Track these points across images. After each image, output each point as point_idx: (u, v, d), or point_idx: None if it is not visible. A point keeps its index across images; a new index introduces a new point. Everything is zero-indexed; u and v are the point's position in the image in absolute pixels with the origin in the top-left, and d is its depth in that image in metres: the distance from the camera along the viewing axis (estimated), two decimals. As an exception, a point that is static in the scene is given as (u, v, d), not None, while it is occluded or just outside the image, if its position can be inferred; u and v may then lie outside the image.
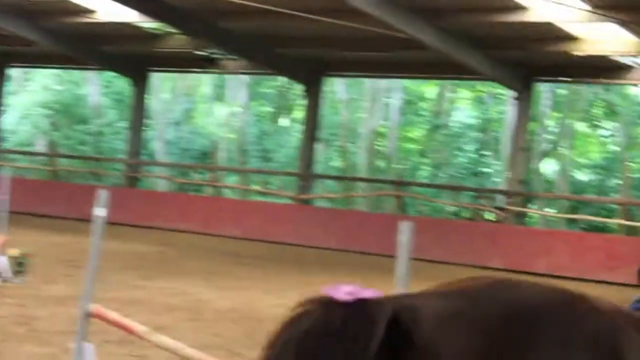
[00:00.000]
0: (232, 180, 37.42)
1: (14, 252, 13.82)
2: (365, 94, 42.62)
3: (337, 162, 44.20)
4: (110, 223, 25.06)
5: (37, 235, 21.49)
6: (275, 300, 14.19)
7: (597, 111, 42.10)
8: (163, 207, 26.77)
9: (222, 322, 11.83)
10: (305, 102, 28.36)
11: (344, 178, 37.02)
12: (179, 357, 7.88)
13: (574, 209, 35.00)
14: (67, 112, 45.43)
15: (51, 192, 28.13)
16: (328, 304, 1.85)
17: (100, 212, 7.85)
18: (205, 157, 40.96)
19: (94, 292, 12.45)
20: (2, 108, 32.84)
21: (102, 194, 7.89)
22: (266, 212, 26.24)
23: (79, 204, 24.67)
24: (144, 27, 27.49)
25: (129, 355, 9.23)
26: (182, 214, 26.32)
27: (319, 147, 29.99)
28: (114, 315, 8.08)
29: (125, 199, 26.88)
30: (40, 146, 44.31)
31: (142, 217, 26.10)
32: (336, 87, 42.04)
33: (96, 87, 45.53)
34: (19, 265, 13.85)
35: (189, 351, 7.58)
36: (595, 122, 42.26)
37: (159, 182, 36.63)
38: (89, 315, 7.87)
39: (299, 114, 38.36)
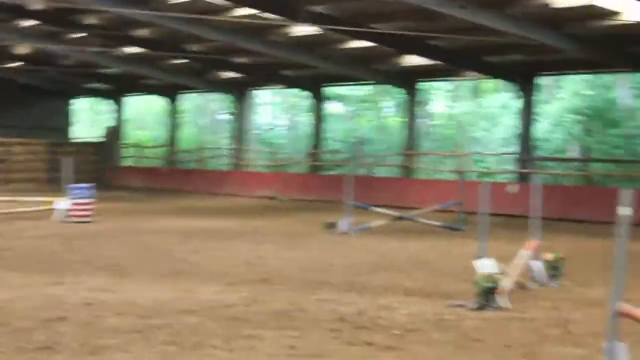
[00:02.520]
0: None
1: (549, 256, 14.01)
2: None
3: None
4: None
5: (571, 240, 21.61)
6: None
7: None
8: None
9: None
10: None
11: None
12: None
13: None
14: (599, 117, 45.20)
15: (585, 197, 28.12)
16: None
17: (624, 211, 7.74)
18: None
19: (633, 294, 12.32)
20: (535, 117, 33.37)
21: (626, 194, 7.77)
22: None
23: (613, 207, 24.40)
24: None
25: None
26: None
27: None
28: (643, 314, 7.93)
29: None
30: (573, 152, 44.52)
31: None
32: None
33: (627, 90, 44.85)
34: (554, 270, 14.01)
35: None
36: None
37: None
38: (618, 314, 7.78)
39: None
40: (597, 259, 17.80)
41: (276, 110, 67.46)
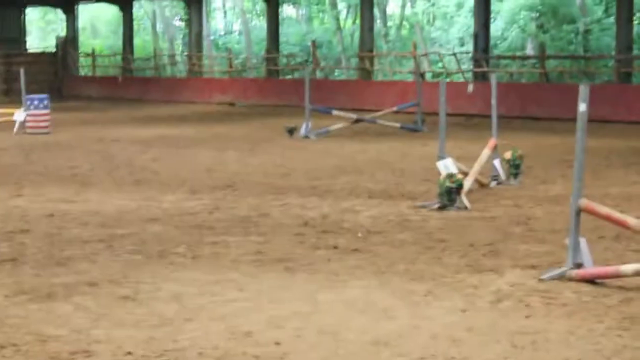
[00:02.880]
0: None
1: (508, 154, 14.10)
2: None
3: None
4: (604, 121, 25.07)
5: (530, 137, 21.76)
6: None
7: None
8: (659, 101, 25.89)
9: None
10: None
11: None
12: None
13: None
14: (554, 13, 45.17)
15: (542, 94, 28.24)
16: None
17: (582, 107, 7.78)
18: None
19: (592, 190, 12.49)
20: (490, 15, 33.28)
21: (583, 89, 7.81)
22: None
23: (571, 104, 24.55)
24: None
25: (626, 250, 9.14)
26: (680, 106, 25.30)
27: None
28: (604, 209, 8.04)
29: (618, 95, 26.39)
30: (529, 49, 44.59)
31: (638, 113, 25.44)
32: None
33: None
34: (514, 168, 14.11)
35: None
36: None
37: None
38: (580, 210, 7.88)
39: None
40: (555, 156, 17.96)
41: (230, 15, 66.80)
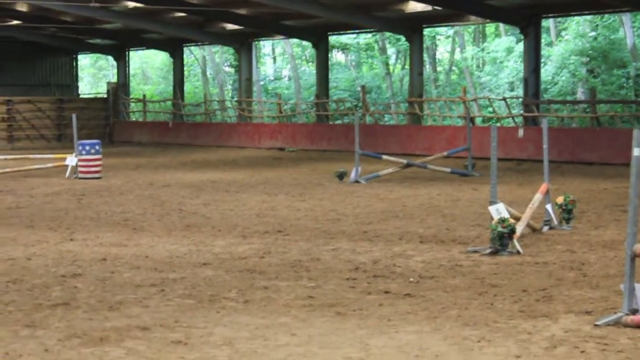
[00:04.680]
0: None
1: (560, 199, 14.00)
2: None
3: None
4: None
5: (582, 182, 21.60)
6: None
7: None
8: None
9: None
10: None
11: None
12: None
13: None
14: (604, 58, 44.98)
15: (593, 139, 28.06)
16: None
17: (636, 152, 7.71)
18: None
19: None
20: (540, 60, 33.20)
21: (637, 134, 7.74)
22: None
23: (622, 148, 24.38)
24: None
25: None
26: None
27: None
28: (661, 255, 7.93)
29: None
30: (580, 94, 44.38)
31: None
32: None
33: (631, 29, 44.58)
34: (566, 213, 14.01)
35: None
36: None
37: None
38: (635, 255, 7.79)
39: None
40: (607, 200, 17.79)
41: (280, 60, 67.26)
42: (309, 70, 59.40)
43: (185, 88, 49.94)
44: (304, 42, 51.66)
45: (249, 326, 7.98)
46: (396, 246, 12.40)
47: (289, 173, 25.50)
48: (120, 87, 48.86)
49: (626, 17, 43.67)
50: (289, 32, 41.96)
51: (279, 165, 28.54)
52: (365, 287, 9.66)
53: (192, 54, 62.48)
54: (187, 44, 48.53)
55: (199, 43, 49.06)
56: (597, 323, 7.85)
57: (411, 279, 10.05)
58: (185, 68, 51.46)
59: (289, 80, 61.51)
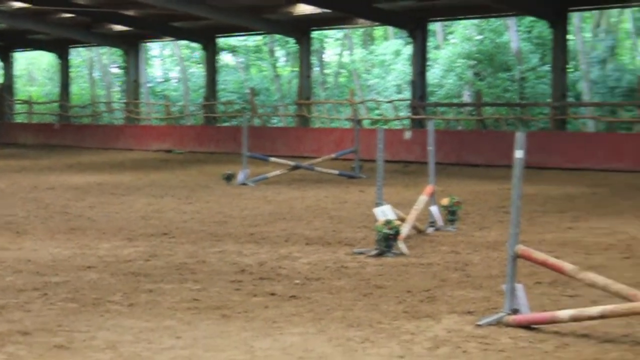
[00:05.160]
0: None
1: (445, 201, 14.19)
2: None
3: None
4: (540, 168, 25.38)
5: (467, 184, 21.93)
6: None
7: None
8: (593, 148, 26.27)
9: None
10: None
11: None
12: (609, 294, 7.76)
13: None
14: (490, 61, 45.75)
15: (479, 141, 28.52)
16: None
17: (518, 154, 7.85)
18: (633, 94, 39.62)
19: (528, 236, 12.59)
20: (427, 63, 33.60)
21: (520, 137, 7.88)
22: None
23: (506, 150, 24.84)
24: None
25: (560, 295, 9.20)
26: (613, 153, 25.69)
27: None
28: (540, 255, 8.09)
29: (554, 142, 26.74)
30: (466, 97, 45.08)
31: (572, 159, 25.80)
32: None
33: (516, 33, 45.46)
34: (451, 214, 14.20)
35: (619, 287, 7.44)
36: None
37: (587, 122, 36.03)
38: (516, 256, 7.93)
39: None
40: (491, 202, 18.11)
41: (168, 62, 66.77)
42: (198, 72, 59.10)
43: (72, 90, 49.23)
44: (193, 44, 51.32)
45: (133, 329, 7.89)
46: (282, 248, 12.41)
47: (176, 175, 25.33)
48: (5, 89, 47.92)
49: (511, 21, 44.53)
50: (177, 34, 41.70)
51: (166, 168, 28.32)
52: (250, 289, 9.65)
53: (80, 56, 61.61)
54: (74, 45, 47.83)
55: (86, 44, 48.43)
56: (479, 323, 7.96)
57: (297, 281, 10.07)
58: (72, 69, 50.74)
59: (178, 82, 61.11)
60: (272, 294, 9.38)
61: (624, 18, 48.16)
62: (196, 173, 26.02)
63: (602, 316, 7.35)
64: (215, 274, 10.51)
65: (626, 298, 7.34)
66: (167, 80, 64.15)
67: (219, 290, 9.57)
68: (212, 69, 39.94)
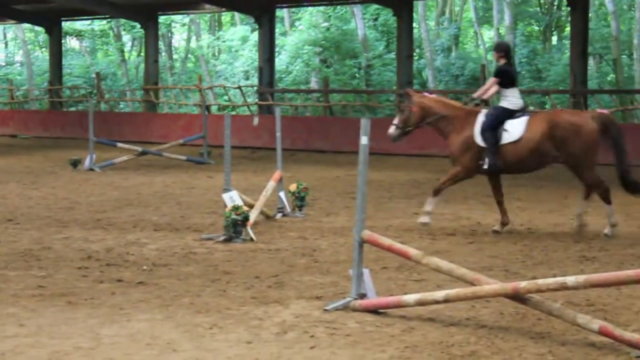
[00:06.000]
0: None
1: (293, 187, 14.27)
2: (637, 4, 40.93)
3: (611, 76, 42.83)
4: (388, 154, 25.73)
5: (315, 170, 22.09)
6: (555, 219, 14.01)
7: None
8: (437, 135, 26.73)
9: (500, 243, 11.80)
10: (571, 17, 27.59)
11: (619, 92, 35.72)
12: (453, 278, 7.95)
13: None
14: (337, 48, 46.15)
15: (326, 128, 28.76)
16: None
17: (363, 140, 7.96)
18: (476, 82, 40.57)
19: (375, 221, 12.78)
20: (274, 49, 33.68)
21: (365, 123, 7.99)
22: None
23: (354, 137, 25.10)
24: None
25: (407, 280, 9.38)
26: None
27: (590, 62, 29.02)
28: (386, 241, 8.22)
29: (399, 129, 27.14)
30: (314, 83, 45.38)
31: (419, 146, 26.24)
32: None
33: (363, 21, 45.97)
34: (299, 200, 14.29)
35: (463, 271, 7.63)
36: None
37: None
38: (363, 242, 8.04)
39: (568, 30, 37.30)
40: (339, 188, 18.28)
41: (12, 46, 65.12)
42: (42, 56, 57.85)
43: None
44: (37, 27, 50.19)
45: (-25, 319, 7.70)
46: (130, 234, 12.29)
47: (21, 161, 24.76)
48: None
49: (357, 9, 45.00)
50: (20, 17, 40.69)
51: (10, 153, 27.65)
52: (97, 275, 9.52)
53: None
54: None
55: None
56: (327, 308, 8.05)
57: (144, 267, 9.99)
58: None
59: (22, 66, 59.66)
60: (120, 281, 9.28)
61: (467, 7, 49.23)
62: (42, 158, 25.50)
63: (447, 300, 7.53)
64: (61, 261, 10.34)
65: (470, 282, 7.53)
66: (10, 64, 62.55)
67: (65, 277, 9.42)
68: (57, 53, 39.15)
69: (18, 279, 9.30)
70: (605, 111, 13.34)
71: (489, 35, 49.25)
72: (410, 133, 13.39)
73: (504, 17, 43.70)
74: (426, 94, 13.71)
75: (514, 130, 12.50)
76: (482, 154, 12.64)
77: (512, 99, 12.69)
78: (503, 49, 13.00)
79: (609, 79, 43.12)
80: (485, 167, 12.61)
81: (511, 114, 12.60)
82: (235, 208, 11.70)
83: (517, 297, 7.19)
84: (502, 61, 12.85)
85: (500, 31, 44.63)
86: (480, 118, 12.72)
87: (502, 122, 12.55)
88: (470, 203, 15.99)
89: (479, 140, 12.65)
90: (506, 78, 12.71)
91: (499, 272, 9.81)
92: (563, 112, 13.27)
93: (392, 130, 13.22)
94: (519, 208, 15.20)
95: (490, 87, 12.97)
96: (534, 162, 12.72)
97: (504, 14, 43.68)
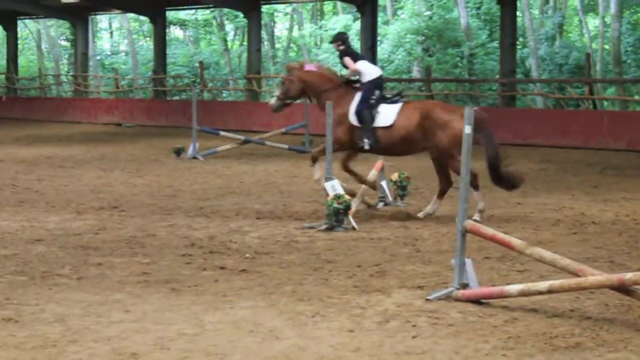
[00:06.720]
0: (610, 92, 36.34)
1: (395, 176, 14.24)
2: None
3: None
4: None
5: (416, 159, 21.94)
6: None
7: None
8: (541, 124, 26.47)
9: (605, 234, 11.60)
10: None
11: None
12: (557, 269, 7.83)
13: None
14: (440, 37, 45.86)
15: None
16: None
17: (467, 129, 7.89)
18: (580, 71, 39.95)
19: (472, 210, 12.66)
20: (376, 38, 33.61)
21: (469, 112, 7.91)
22: (649, 121, 25.25)
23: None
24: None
25: (510, 270, 9.28)
26: (561, 129, 25.92)
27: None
28: (489, 230, 8.14)
29: (503, 118, 26.87)
30: (416, 72, 45.17)
31: (521, 136, 25.98)
32: None
33: (466, 10, 45.59)
34: (401, 189, 14.26)
35: (567, 262, 7.52)
36: None
37: (536, 99, 36.27)
38: (465, 231, 7.97)
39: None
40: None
41: (117, 35, 66.20)
42: (147, 46, 58.66)
43: (19, 62, 48.66)
44: (142, 17, 50.93)
45: (82, 303, 7.85)
46: (233, 222, 12.40)
47: (125, 149, 25.17)
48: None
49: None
50: (125, 7, 41.33)
51: (115, 141, 28.13)
52: (200, 263, 9.63)
53: (27, 28, 60.88)
54: (22, 17, 47.25)
55: (34, 16, 47.86)
56: (429, 297, 8.01)
57: (247, 255, 10.07)
58: (19, 41, 50.14)
59: (126, 56, 60.63)
60: (222, 268, 9.37)
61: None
62: (145, 147, 25.88)
63: (551, 291, 7.43)
64: (165, 248, 10.48)
65: (574, 273, 7.41)
66: (115, 53, 63.62)
67: (169, 264, 9.55)
68: (161, 42, 39.66)
69: (123, 266, 9.46)
70: (477, 108, 13.35)
71: (594, 23, 48.43)
72: (289, 105, 13.99)
73: (609, 4, 42.86)
74: (308, 66, 13.79)
75: (387, 115, 13.00)
76: (355, 131, 13.10)
77: (367, 69, 13.41)
78: (339, 39, 13.79)
79: None
80: (367, 147, 13.13)
81: (379, 85, 13.34)
82: (337, 197, 11.71)
83: (623, 288, 7.06)
84: (342, 47, 13.64)
85: (606, 19, 43.83)
86: (357, 97, 13.21)
87: (375, 97, 13.12)
88: (573, 193, 15.76)
89: (353, 119, 13.14)
90: (353, 56, 13.62)
91: (604, 263, 9.66)
92: (436, 106, 13.22)
93: (272, 101, 13.85)
94: (624, 199, 14.94)
95: (353, 67, 13.50)
96: (404, 149, 13.31)
97: (609, 1, 42.84)
